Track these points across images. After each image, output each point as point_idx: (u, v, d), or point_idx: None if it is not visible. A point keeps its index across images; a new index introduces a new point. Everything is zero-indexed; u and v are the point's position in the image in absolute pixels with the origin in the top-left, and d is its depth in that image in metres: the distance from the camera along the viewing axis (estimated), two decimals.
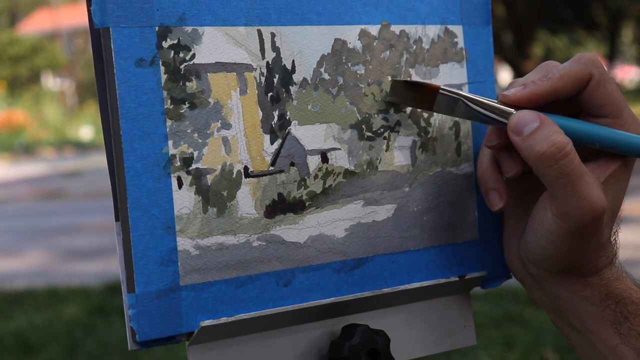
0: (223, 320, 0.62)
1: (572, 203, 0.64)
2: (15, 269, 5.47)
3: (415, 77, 0.72)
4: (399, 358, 0.71)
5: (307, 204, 0.67)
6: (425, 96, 0.69)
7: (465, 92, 0.69)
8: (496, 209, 0.70)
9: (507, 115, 0.67)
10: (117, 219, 0.61)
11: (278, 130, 0.66)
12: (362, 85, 0.69)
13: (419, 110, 0.72)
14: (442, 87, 0.68)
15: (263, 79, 0.65)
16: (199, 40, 0.63)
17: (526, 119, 0.65)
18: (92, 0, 0.59)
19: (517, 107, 0.67)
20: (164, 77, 0.61)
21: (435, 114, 0.72)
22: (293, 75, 0.66)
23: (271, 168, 0.65)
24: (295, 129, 0.66)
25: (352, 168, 0.69)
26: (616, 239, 0.70)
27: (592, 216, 0.65)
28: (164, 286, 0.61)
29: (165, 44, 0.61)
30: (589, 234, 0.66)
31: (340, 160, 0.68)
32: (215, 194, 0.63)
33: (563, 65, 0.68)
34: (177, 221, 0.62)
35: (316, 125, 0.67)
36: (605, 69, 0.68)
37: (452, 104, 0.68)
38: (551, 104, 0.68)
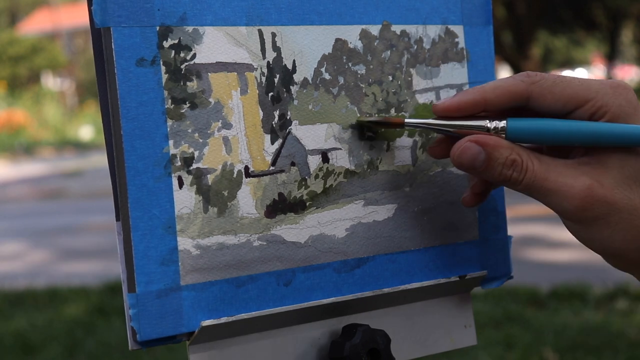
0: (224, 320, 0.62)
1: (556, 203, 0.64)
2: (15, 269, 5.47)
3: (416, 77, 0.72)
4: (399, 358, 0.71)
5: (307, 204, 0.67)
6: (393, 127, 0.69)
7: (429, 120, 0.68)
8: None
9: (479, 128, 0.66)
10: (117, 219, 0.61)
11: (279, 130, 0.66)
12: (363, 85, 0.69)
13: (419, 110, 0.72)
14: (406, 121, 0.68)
15: (264, 78, 0.65)
16: (200, 40, 0.63)
17: (471, 153, 0.64)
18: (93, 0, 0.59)
19: (478, 117, 0.66)
20: (164, 76, 0.61)
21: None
22: (294, 75, 0.66)
23: (272, 168, 0.66)
24: (296, 129, 0.66)
25: (353, 168, 0.69)
26: None
27: (581, 201, 0.63)
28: (164, 286, 0.61)
29: (166, 44, 0.61)
30: (601, 215, 0.64)
31: (341, 160, 0.68)
32: (216, 194, 0.63)
33: (502, 78, 0.67)
34: (178, 221, 0.62)
35: (317, 125, 0.67)
36: (545, 76, 0.66)
37: (422, 129, 0.70)
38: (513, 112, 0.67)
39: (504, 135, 0.65)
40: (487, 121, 0.66)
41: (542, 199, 0.65)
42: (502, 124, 0.65)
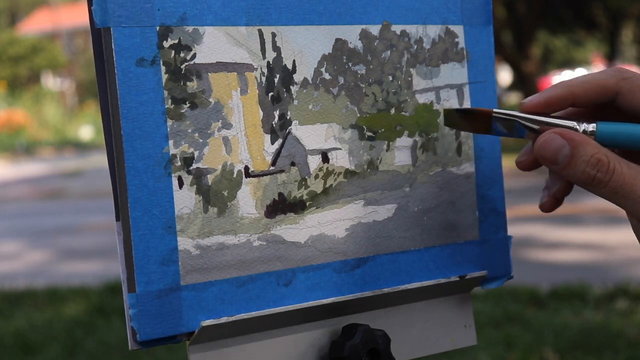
0: (224, 320, 0.62)
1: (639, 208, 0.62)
2: (15, 269, 5.47)
3: (416, 77, 0.72)
4: (399, 358, 0.71)
5: (307, 204, 0.67)
6: (479, 121, 0.67)
7: (519, 113, 0.66)
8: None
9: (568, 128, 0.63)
10: (117, 219, 0.61)
11: (279, 130, 0.66)
12: (363, 85, 0.69)
13: (419, 110, 0.72)
14: (495, 110, 0.66)
15: (264, 78, 0.65)
16: (200, 40, 0.63)
17: (555, 145, 0.62)
18: (93, 0, 0.59)
19: (568, 118, 0.64)
20: (164, 76, 0.61)
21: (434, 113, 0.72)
22: (294, 75, 0.66)
23: (272, 168, 0.66)
24: (296, 129, 0.67)
25: (353, 168, 0.69)
26: None
27: None
28: (164, 286, 0.61)
29: (166, 44, 0.61)
30: None
31: (341, 160, 0.68)
32: (216, 194, 0.63)
33: (591, 72, 0.66)
34: (178, 221, 0.62)
35: (317, 125, 0.67)
36: (636, 74, 0.65)
37: (508, 124, 0.65)
38: (591, 112, 0.66)
39: (593, 138, 0.63)
40: (576, 123, 0.63)
41: (629, 205, 0.62)
42: (592, 126, 0.63)
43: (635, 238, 0.65)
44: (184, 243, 0.62)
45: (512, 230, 0.77)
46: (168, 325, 0.61)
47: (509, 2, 12.57)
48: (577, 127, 0.63)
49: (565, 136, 0.62)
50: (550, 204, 0.68)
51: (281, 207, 0.66)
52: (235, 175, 0.64)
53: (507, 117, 0.65)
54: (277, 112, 0.66)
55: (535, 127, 0.64)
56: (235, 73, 0.64)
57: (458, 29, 0.74)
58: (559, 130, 0.63)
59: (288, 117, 0.66)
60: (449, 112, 0.69)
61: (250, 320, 0.64)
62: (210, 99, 0.63)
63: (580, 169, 0.62)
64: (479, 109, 0.67)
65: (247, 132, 0.65)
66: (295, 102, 0.67)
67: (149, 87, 0.61)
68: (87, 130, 18.50)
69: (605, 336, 3.18)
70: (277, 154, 0.66)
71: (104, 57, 0.60)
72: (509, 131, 0.66)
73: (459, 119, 0.68)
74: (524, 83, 12.60)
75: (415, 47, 0.72)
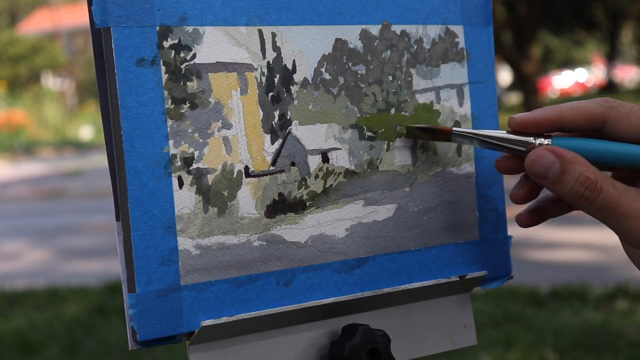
0: (224, 320, 0.62)
1: (626, 229, 0.63)
2: (15, 269, 5.47)
3: (416, 77, 0.72)
4: (399, 358, 0.71)
5: (307, 204, 0.67)
6: (440, 136, 0.70)
7: (476, 130, 0.69)
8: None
9: (523, 144, 0.66)
10: (117, 219, 0.61)
11: (279, 130, 0.66)
12: (363, 85, 0.69)
13: (419, 110, 0.72)
14: (454, 129, 0.69)
15: (264, 78, 0.65)
16: (200, 40, 0.63)
17: (545, 162, 0.64)
18: (93, 0, 0.59)
19: (531, 134, 0.66)
20: (164, 76, 0.61)
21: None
22: (294, 75, 0.66)
23: (272, 168, 0.66)
24: (296, 129, 0.67)
25: (353, 168, 0.69)
26: None
27: None
28: (164, 286, 0.61)
29: (166, 44, 0.61)
30: None
31: (341, 160, 0.68)
32: (216, 194, 0.63)
33: (581, 100, 0.68)
34: (178, 221, 0.62)
35: (317, 125, 0.67)
36: (623, 104, 0.67)
37: (468, 139, 0.69)
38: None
39: None
40: (532, 138, 0.66)
41: (613, 223, 0.64)
42: (547, 141, 0.65)
43: (602, 223, 0.66)
44: (184, 243, 0.62)
45: (512, 230, 0.77)
46: (168, 325, 0.61)
47: (509, 2, 12.57)
48: (534, 141, 0.66)
49: (556, 153, 0.64)
50: (526, 218, 0.71)
51: (281, 207, 0.66)
52: (235, 175, 0.64)
53: (467, 135, 0.69)
54: (277, 112, 0.66)
55: (495, 142, 0.67)
56: (235, 73, 0.64)
57: (458, 29, 0.74)
58: (551, 147, 0.64)
59: (288, 117, 0.66)
60: (410, 130, 0.71)
61: (250, 320, 0.64)
62: (210, 99, 0.63)
63: (569, 186, 0.63)
64: (438, 127, 0.70)
65: (247, 132, 0.65)
66: (295, 102, 0.67)
67: (149, 87, 0.61)
68: (87, 130, 18.50)
69: (605, 336, 3.18)
70: (277, 154, 0.66)
71: (104, 57, 0.60)
72: (470, 143, 0.69)
73: (419, 134, 0.71)
74: (523, 83, 12.61)
75: (415, 47, 0.72)
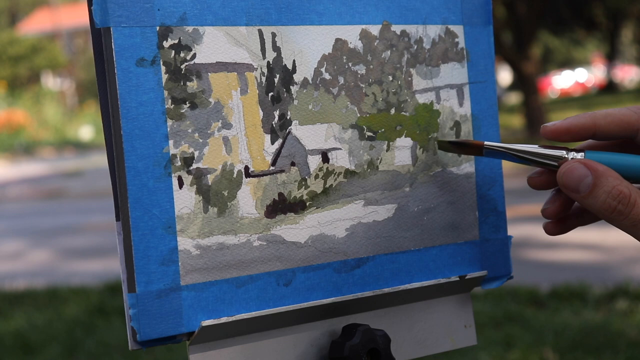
0: (224, 319, 0.62)
1: None
2: (15, 269, 5.47)
3: (416, 77, 0.72)
4: (399, 358, 0.71)
5: (307, 204, 0.67)
6: (471, 150, 0.69)
7: (508, 145, 0.68)
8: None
9: (556, 158, 0.65)
10: (117, 219, 0.61)
11: (279, 130, 0.66)
12: (363, 85, 0.69)
13: (419, 110, 0.72)
14: (485, 144, 0.68)
15: (264, 78, 0.65)
16: (200, 40, 0.63)
17: (577, 174, 0.63)
18: (93, 0, 0.59)
19: (564, 147, 0.65)
20: (164, 76, 0.61)
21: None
22: (294, 75, 0.66)
23: (272, 168, 0.66)
24: (296, 129, 0.67)
25: (353, 168, 0.69)
26: None
27: None
28: (164, 286, 0.61)
29: (166, 44, 0.61)
30: None
31: (341, 160, 0.68)
32: (216, 194, 0.63)
33: (615, 108, 0.67)
34: (178, 221, 0.62)
35: (317, 125, 0.67)
36: None
37: (500, 153, 0.68)
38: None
39: None
40: (565, 152, 0.65)
41: None
42: (580, 155, 0.65)
43: (635, 238, 0.65)
44: (184, 243, 0.62)
45: (512, 230, 0.77)
46: (168, 325, 0.61)
47: (509, 2, 12.57)
48: (566, 155, 0.65)
49: (588, 166, 0.63)
50: (552, 226, 0.70)
51: (281, 207, 0.66)
52: (235, 175, 0.64)
53: (499, 150, 0.68)
54: (277, 112, 0.66)
55: (527, 157, 0.66)
56: (235, 73, 0.64)
57: (458, 29, 0.74)
58: (583, 160, 0.63)
59: (288, 117, 0.66)
60: (442, 144, 0.71)
61: (250, 320, 0.64)
62: (210, 99, 0.63)
63: (601, 199, 0.62)
64: (470, 141, 0.70)
65: (247, 132, 0.65)
66: (295, 102, 0.67)
67: (149, 87, 0.61)
68: (87, 130, 18.50)
69: (605, 336, 3.18)
70: (277, 154, 0.66)
71: (104, 57, 0.60)
72: (502, 157, 0.68)
73: (451, 147, 0.71)
74: (523, 83, 12.60)
75: (415, 47, 0.72)
